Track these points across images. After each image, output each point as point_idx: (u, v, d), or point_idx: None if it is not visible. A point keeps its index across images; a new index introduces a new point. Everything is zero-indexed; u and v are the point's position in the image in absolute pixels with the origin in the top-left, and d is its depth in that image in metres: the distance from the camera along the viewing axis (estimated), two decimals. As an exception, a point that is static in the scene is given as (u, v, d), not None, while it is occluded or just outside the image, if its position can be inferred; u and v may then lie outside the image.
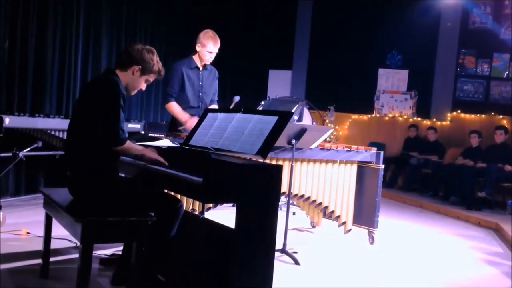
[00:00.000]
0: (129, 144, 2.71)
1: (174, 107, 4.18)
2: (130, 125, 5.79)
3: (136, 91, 2.92)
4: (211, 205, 3.81)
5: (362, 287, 3.38)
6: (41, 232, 3.03)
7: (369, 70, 9.47)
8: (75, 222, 2.39)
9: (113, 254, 3.40)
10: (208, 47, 4.13)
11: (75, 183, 2.71)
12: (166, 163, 2.73)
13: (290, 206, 4.00)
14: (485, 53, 8.80)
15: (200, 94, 4.27)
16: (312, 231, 4.94)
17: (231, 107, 4.29)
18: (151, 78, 2.89)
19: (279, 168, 2.67)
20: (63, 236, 3.49)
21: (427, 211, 6.87)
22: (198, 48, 4.18)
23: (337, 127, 9.26)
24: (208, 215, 3.18)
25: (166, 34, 7.61)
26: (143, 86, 2.91)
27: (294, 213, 5.44)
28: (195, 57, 4.26)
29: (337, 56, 9.47)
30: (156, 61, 2.84)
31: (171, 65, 4.22)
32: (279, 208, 3.02)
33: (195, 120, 3.81)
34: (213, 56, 4.20)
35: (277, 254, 3.55)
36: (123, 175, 3.14)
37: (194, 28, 8.05)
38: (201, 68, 4.27)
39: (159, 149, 2.94)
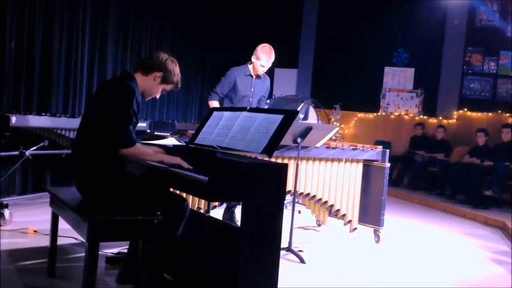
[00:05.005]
0: (138, 148, 2.69)
1: (214, 105, 4.45)
2: (136, 124, 5.79)
3: (150, 97, 2.94)
4: (216, 203, 3.82)
5: (367, 287, 3.38)
6: (47, 230, 3.04)
7: (375, 68, 9.45)
8: (81, 220, 2.40)
9: (119, 253, 3.41)
10: (262, 61, 4.41)
11: (81, 181, 2.71)
12: (188, 166, 2.66)
13: (296, 204, 4.00)
14: (492, 51, 8.75)
15: (250, 99, 4.50)
16: (318, 230, 4.93)
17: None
18: (168, 88, 2.92)
19: (285, 167, 2.67)
20: (69, 234, 3.50)
21: (434, 210, 6.85)
22: (253, 59, 4.46)
23: (342, 126, 9.24)
24: (214, 213, 3.19)
25: (172, 34, 7.62)
26: (158, 94, 2.94)
27: (299, 212, 5.45)
28: (250, 66, 4.52)
29: (343, 55, 9.45)
30: (177, 73, 2.89)
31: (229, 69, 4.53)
32: (284, 207, 3.02)
33: None
34: (265, 69, 4.50)
35: (282, 252, 3.55)
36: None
37: (200, 27, 8.16)
38: (254, 77, 4.51)
39: (165, 148, 2.95)
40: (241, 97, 4.46)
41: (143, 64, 2.87)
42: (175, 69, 2.87)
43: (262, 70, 4.48)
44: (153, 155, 2.76)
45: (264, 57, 4.38)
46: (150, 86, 2.85)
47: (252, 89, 4.51)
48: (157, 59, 2.84)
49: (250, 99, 4.50)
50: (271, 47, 4.44)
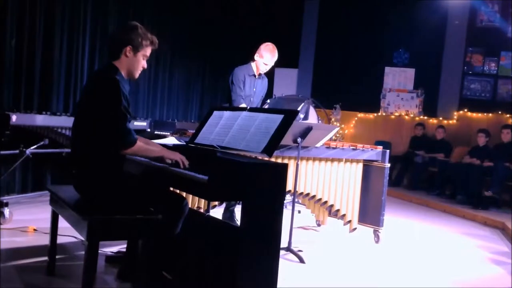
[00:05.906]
0: (139, 147, 2.65)
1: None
2: (136, 123, 5.80)
3: (139, 71, 2.81)
4: (216, 203, 3.82)
5: (367, 287, 3.38)
6: (47, 228, 3.04)
7: (375, 69, 9.45)
8: (81, 219, 2.40)
9: (118, 251, 3.41)
10: (265, 59, 4.41)
11: (80, 180, 2.71)
12: (186, 163, 2.66)
13: (296, 204, 4.00)
14: (492, 51, 8.75)
15: (252, 99, 4.51)
16: (318, 230, 4.93)
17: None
18: (147, 52, 2.78)
19: (285, 167, 2.66)
20: (69, 232, 3.50)
21: (433, 210, 6.85)
22: (256, 57, 4.47)
23: (343, 126, 9.24)
24: (213, 213, 3.19)
25: (173, 33, 7.62)
26: (144, 64, 2.81)
27: (299, 212, 5.45)
28: (253, 65, 4.52)
29: (343, 55, 9.45)
30: (142, 33, 2.72)
31: (234, 71, 4.48)
32: (284, 207, 3.02)
33: None
34: (268, 68, 4.49)
35: (282, 252, 3.55)
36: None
37: (200, 27, 8.16)
38: (256, 76, 4.52)
39: (165, 147, 2.94)
40: (245, 97, 4.47)
41: (110, 52, 2.76)
42: (138, 32, 2.71)
43: (265, 69, 4.48)
44: (155, 151, 2.74)
45: (268, 55, 4.40)
46: (130, 63, 2.73)
47: (254, 89, 4.53)
48: (114, 38, 2.75)
49: (252, 99, 4.51)
50: (274, 46, 4.45)
